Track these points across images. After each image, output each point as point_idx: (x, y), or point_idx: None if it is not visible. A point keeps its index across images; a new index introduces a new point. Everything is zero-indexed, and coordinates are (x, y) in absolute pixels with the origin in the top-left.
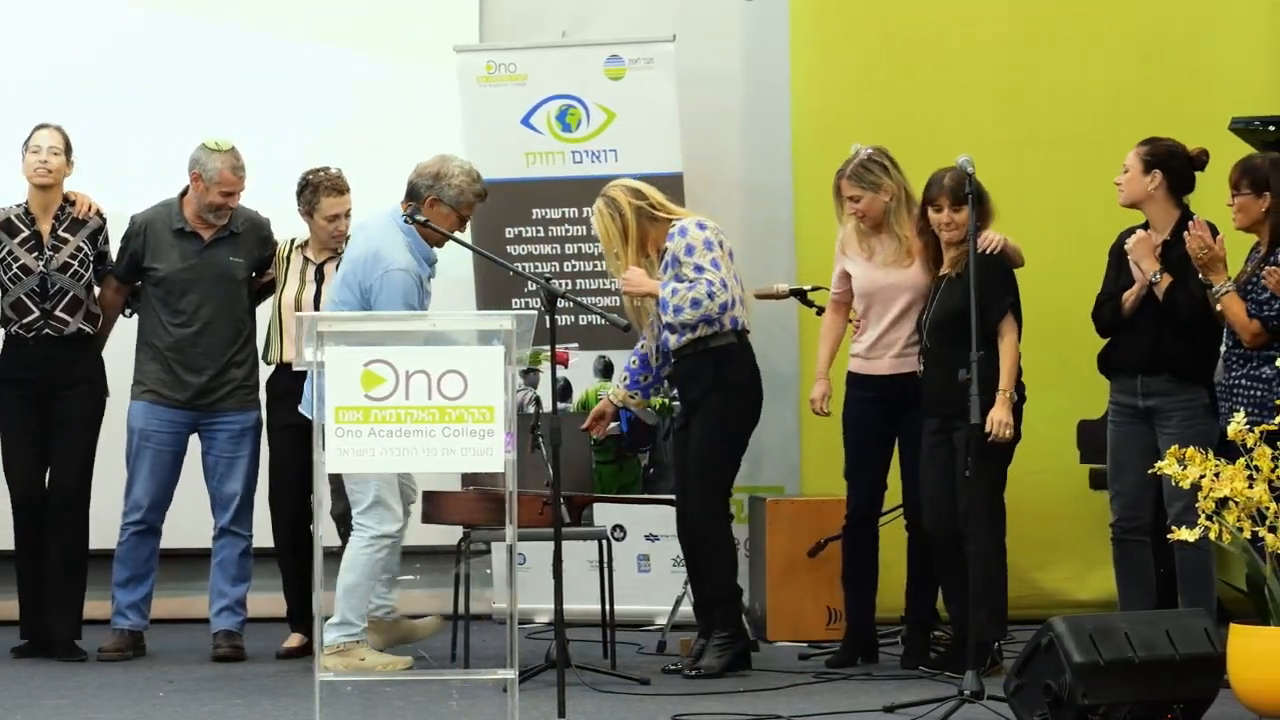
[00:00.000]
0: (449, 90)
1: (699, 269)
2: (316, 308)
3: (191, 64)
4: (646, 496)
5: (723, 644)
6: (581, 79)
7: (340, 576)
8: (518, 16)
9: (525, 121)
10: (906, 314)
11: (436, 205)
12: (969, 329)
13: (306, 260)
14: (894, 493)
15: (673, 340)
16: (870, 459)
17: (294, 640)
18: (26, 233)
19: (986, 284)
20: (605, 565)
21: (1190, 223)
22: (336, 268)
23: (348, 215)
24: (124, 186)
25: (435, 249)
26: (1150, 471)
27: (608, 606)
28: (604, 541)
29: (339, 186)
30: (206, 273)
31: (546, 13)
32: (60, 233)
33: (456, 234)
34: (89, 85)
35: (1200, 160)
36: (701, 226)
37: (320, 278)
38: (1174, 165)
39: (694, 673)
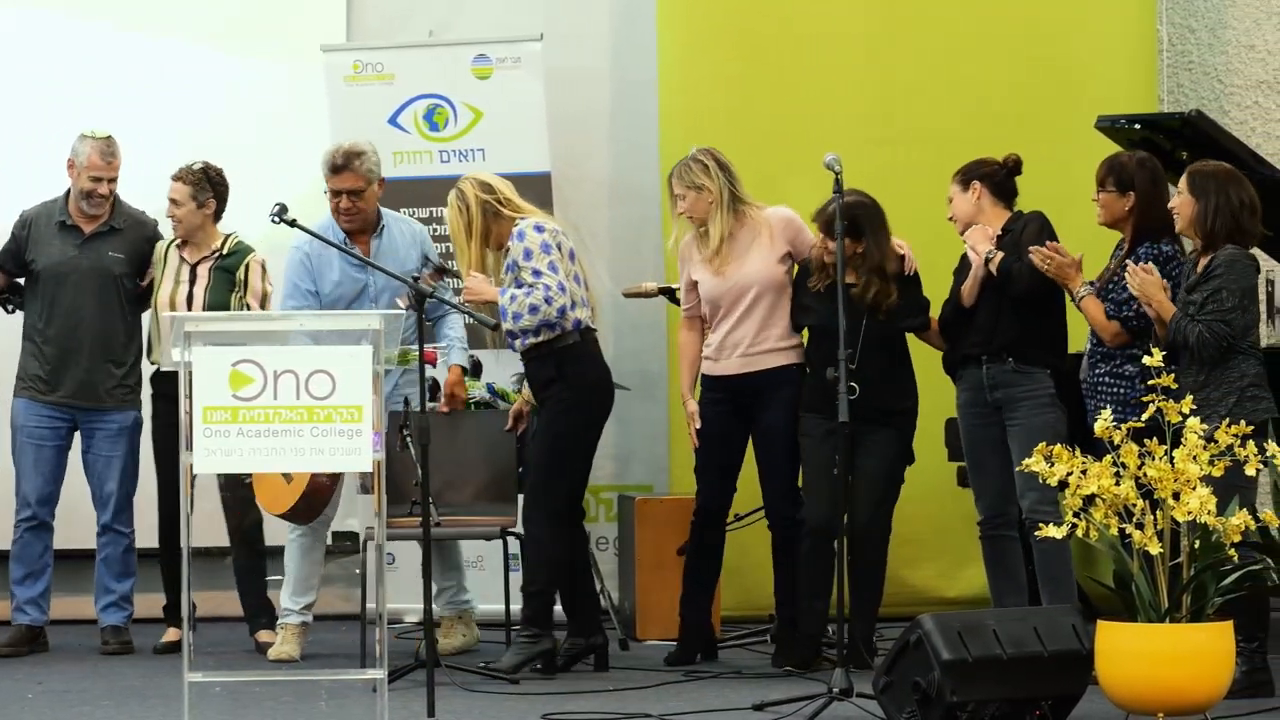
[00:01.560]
0: (316, 90)
1: (536, 273)
2: (190, 308)
3: (60, 64)
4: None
5: (522, 643)
6: (449, 78)
7: None
8: (385, 16)
9: (393, 121)
10: (751, 311)
11: None
12: (895, 340)
13: (182, 260)
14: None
15: (517, 344)
16: (718, 459)
17: (172, 634)
18: None
19: (916, 292)
20: (508, 564)
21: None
22: (210, 269)
23: (175, 204)
24: None
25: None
26: (1018, 469)
27: (509, 605)
28: (505, 540)
29: (174, 175)
30: (84, 265)
31: (414, 12)
32: None
33: (321, 233)
34: None
35: (1013, 165)
36: (539, 229)
37: (193, 278)
38: (988, 173)
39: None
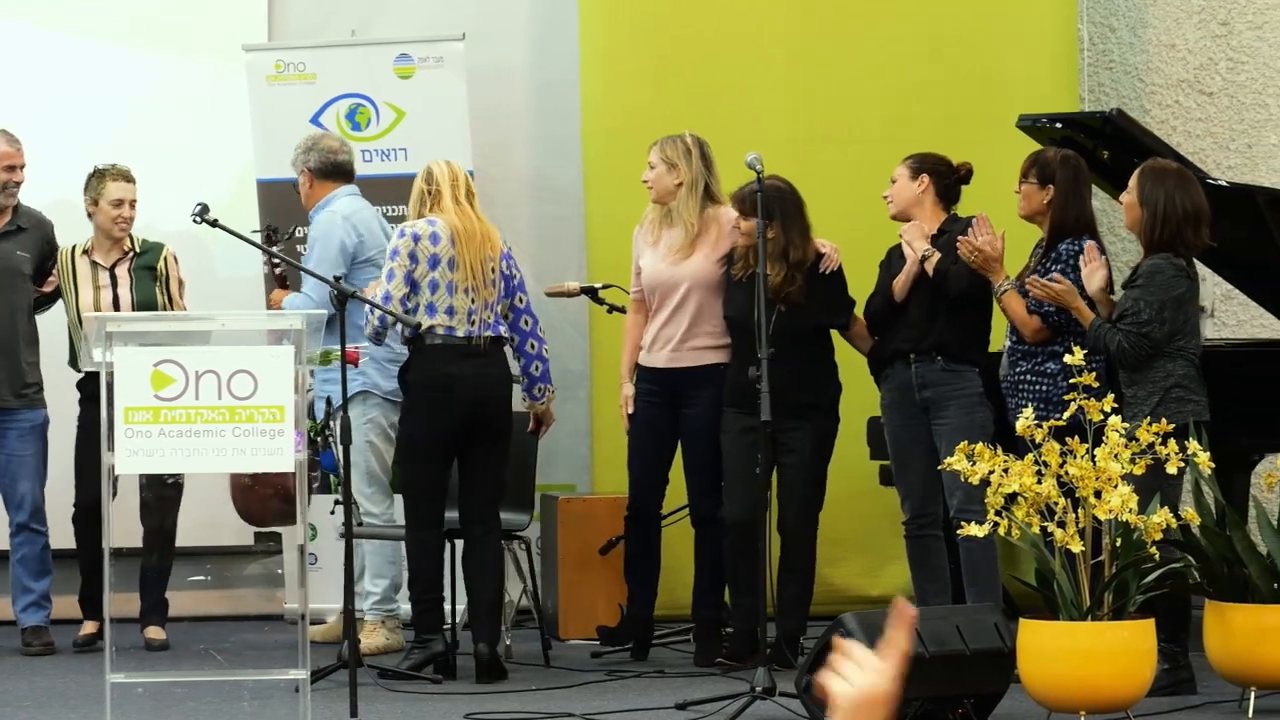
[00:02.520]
0: (238, 89)
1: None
2: (117, 310)
3: None
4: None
5: (413, 649)
6: (371, 78)
7: None
8: (306, 16)
9: (315, 120)
10: (683, 306)
11: None
12: (813, 334)
13: (95, 265)
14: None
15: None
16: (647, 450)
17: (89, 627)
18: None
19: (838, 291)
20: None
21: (975, 222)
22: (129, 270)
23: (133, 205)
24: None
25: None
26: (939, 468)
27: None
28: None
29: (126, 175)
30: None
31: (336, 12)
32: None
33: (243, 233)
34: None
35: (964, 173)
36: (401, 234)
37: (114, 280)
38: (940, 171)
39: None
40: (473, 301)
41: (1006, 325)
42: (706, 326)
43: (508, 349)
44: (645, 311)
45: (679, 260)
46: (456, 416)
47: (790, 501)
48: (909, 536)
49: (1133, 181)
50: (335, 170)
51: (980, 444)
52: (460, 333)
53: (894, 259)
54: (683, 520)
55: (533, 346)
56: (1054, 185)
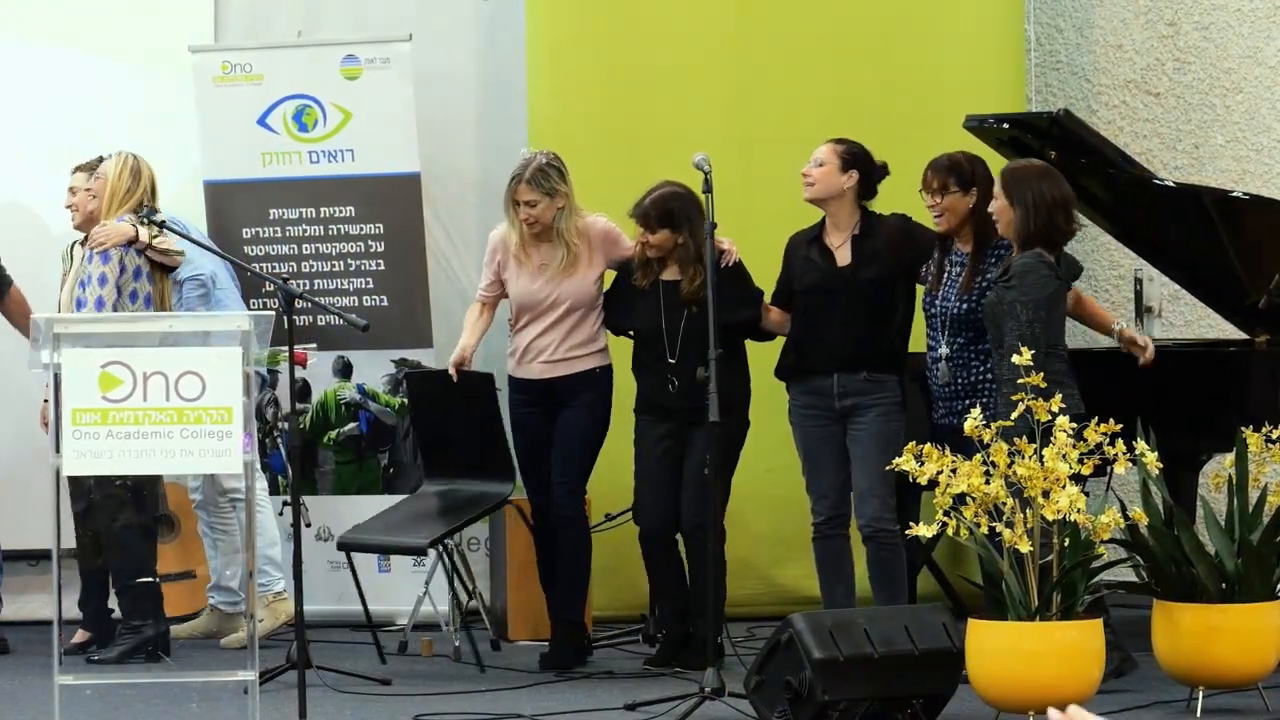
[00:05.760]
0: (185, 91)
1: None
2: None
3: None
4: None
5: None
6: (318, 79)
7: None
8: (253, 16)
9: (261, 122)
10: (561, 322)
11: None
12: (722, 335)
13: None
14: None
15: None
16: (536, 461)
17: (79, 635)
18: None
19: (742, 285)
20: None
21: None
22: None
23: (92, 195)
24: None
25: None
26: (888, 469)
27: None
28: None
29: (78, 166)
30: None
31: (282, 12)
32: None
33: (193, 235)
34: None
35: (884, 172)
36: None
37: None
38: (868, 169)
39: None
40: None
41: (943, 331)
42: (581, 337)
43: None
44: (490, 312)
45: (560, 280)
46: None
47: (687, 503)
48: (820, 538)
49: (996, 188)
50: None
51: (929, 445)
52: None
53: (793, 259)
54: (627, 523)
55: None
56: (977, 186)
